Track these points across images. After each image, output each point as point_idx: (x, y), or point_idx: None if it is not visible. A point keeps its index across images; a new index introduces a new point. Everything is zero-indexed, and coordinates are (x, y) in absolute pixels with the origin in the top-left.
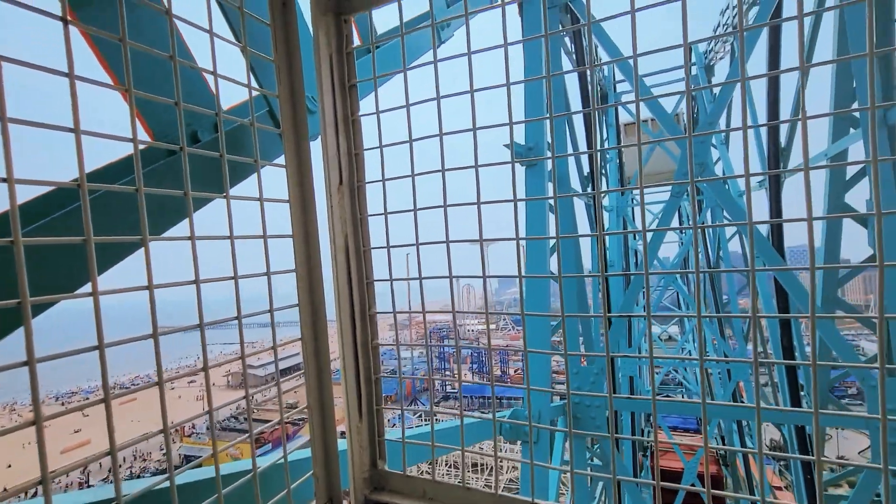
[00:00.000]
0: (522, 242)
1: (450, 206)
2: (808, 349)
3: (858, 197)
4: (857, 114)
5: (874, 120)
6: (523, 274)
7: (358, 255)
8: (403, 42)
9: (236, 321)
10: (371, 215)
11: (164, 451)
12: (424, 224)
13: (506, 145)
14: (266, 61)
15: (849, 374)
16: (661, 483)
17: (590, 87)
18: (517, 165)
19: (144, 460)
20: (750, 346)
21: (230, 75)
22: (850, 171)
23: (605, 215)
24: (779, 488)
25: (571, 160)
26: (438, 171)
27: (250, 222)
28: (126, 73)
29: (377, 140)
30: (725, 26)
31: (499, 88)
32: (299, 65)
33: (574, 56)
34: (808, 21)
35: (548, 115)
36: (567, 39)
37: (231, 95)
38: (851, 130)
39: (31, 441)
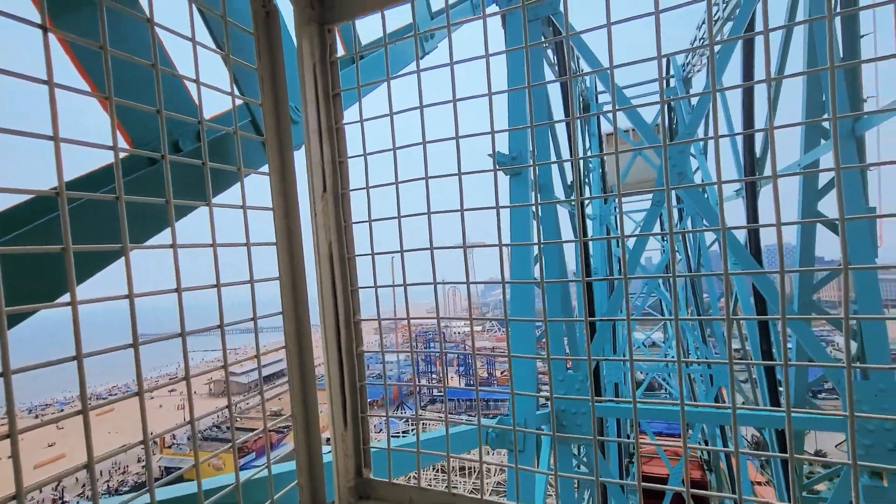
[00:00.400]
0: (507, 249)
1: (433, 213)
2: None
3: (832, 205)
4: (826, 125)
5: (836, 130)
6: (506, 279)
7: (342, 263)
8: (387, 51)
9: (219, 328)
10: (355, 223)
11: (144, 464)
12: (412, 230)
13: (490, 155)
14: (248, 72)
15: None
16: (644, 484)
17: (570, 98)
18: (503, 175)
19: (123, 473)
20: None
21: (213, 82)
22: (823, 180)
23: (589, 223)
24: (759, 483)
25: (555, 171)
26: (422, 178)
27: (236, 230)
28: (107, 80)
29: (361, 148)
30: (701, 40)
31: (483, 98)
32: (283, 73)
33: (557, 68)
34: (779, 36)
35: (529, 125)
36: (550, 51)
37: (213, 107)
38: (822, 141)
39: (1, 457)
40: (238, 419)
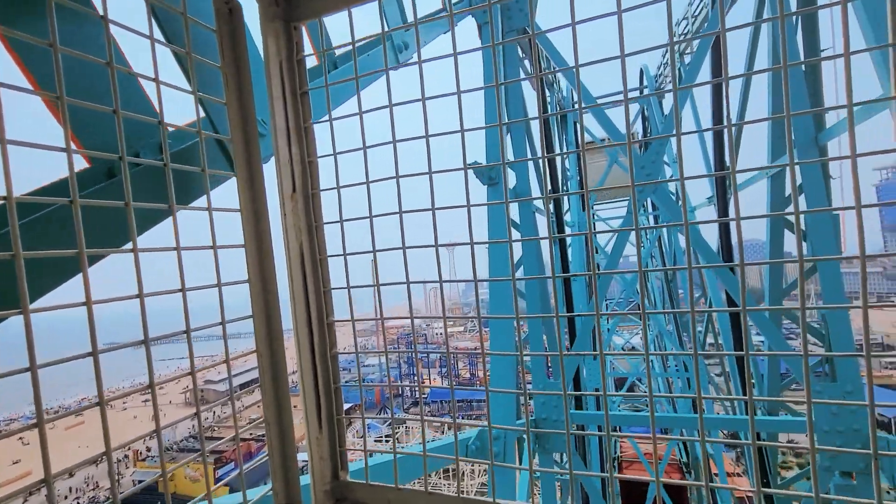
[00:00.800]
0: (484, 253)
1: (405, 212)
2: (757, 345)
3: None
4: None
5: (790, 126)
6: (479, 279)
7: (314, 264)
8: (355, 52)
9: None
10: (327, 223)
11: (117, 478)
12: (390, 229)
13: (472, 165)
14: (210, 80)
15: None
16: (617, 475)
17: (540, 94)
18: (480, 185)
19: (94, 489)
20: (705, 350)
21: (172, 98)
22: (789, 189)
23: (568, 231)
24: (737, 475)
25: (534, 180)
26: (392, 177)
27: (208, 236)
28: (57, 79)
29: (332, 148)
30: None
31: (461, 109)
32: (248, 70)
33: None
34: (746, 46)
35: (502, 123)
36: (527, 62)
37: (175, 118)
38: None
39: None
40: (216, 428)
